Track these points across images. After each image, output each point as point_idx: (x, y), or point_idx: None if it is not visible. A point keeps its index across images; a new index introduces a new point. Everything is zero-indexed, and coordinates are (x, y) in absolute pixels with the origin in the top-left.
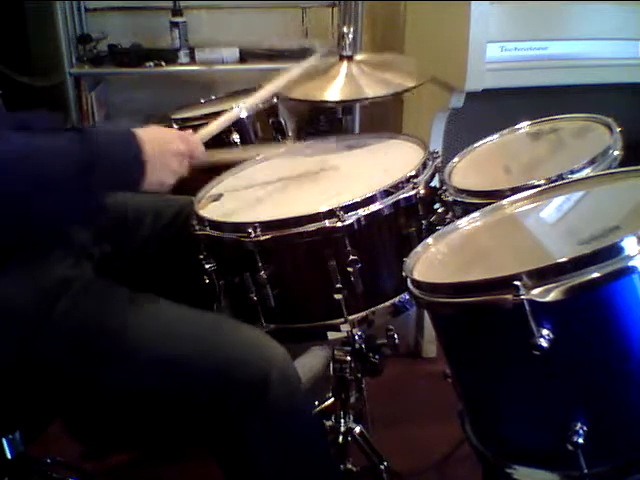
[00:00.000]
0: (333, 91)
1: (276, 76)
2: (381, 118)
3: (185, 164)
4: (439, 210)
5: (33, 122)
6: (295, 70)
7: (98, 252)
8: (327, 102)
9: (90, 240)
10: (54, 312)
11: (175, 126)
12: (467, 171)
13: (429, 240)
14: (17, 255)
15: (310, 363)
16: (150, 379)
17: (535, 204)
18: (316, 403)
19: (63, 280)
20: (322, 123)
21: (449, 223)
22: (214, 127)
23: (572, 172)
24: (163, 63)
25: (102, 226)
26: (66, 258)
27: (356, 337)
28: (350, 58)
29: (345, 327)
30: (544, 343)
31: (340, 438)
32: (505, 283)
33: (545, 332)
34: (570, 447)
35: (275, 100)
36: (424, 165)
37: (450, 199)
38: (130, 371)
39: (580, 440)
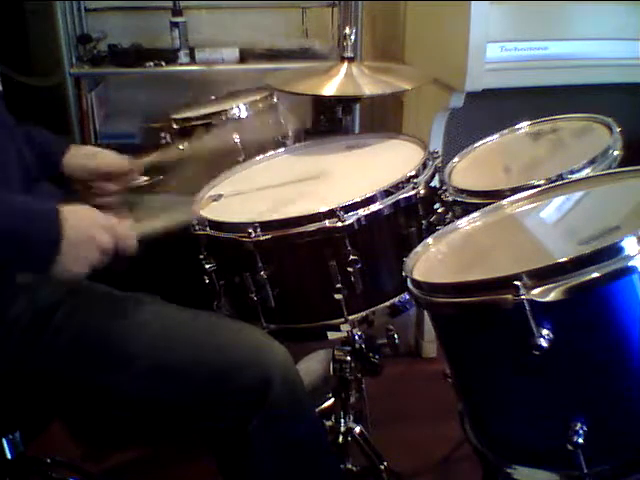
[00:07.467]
0: (331, 88)
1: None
2: (381, 118)
3: (103, 257)
4: (439, 210)
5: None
6: None
7: None
8: (323, 97)
9: None
10: (53, 318)
11: (175, 126)
12: (467, 171)
13: (429, 240)
14: None
15: (313, 366)
16: (150, 385)
17: (535, 204)
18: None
19: (62, 285)
20: (322, 123)
21: (449, 223)
22: (156, 225)
23: (572, 172)
24: (163, 63)
25: None
26: None
27: (356, 337)
28: (351, 60)
29: (345, 327)
30: (544, 343)
31: (340, 438)
32: (505, 283)
33: (545, 332)
34: (570, 447)
35: (275, 100)
36: (424, 165)
37: (450, 199)
38: (130, 377)
39: (580, 440)
